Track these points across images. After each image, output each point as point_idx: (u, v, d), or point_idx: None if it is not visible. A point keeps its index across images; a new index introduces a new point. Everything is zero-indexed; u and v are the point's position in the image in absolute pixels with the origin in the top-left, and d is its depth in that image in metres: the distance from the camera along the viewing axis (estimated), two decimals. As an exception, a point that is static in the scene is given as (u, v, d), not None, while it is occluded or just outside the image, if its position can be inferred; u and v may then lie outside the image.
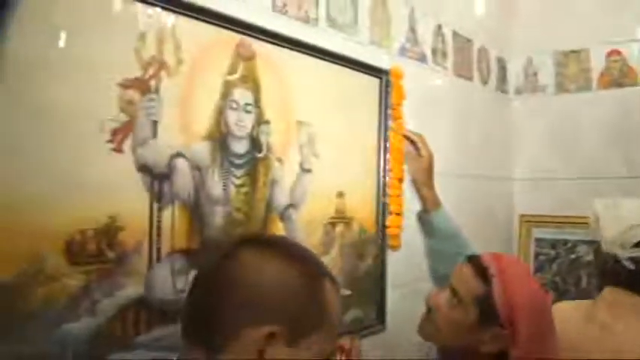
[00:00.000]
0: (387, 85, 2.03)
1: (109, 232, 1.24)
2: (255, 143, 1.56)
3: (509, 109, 2.98)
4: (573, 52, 2.84)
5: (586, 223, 2.45)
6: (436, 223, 2.00)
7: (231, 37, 1.50)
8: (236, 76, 1.51)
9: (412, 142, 2.05)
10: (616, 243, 1.65)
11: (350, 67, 1.89)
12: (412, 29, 2.21)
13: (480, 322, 1.40)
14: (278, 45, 1.63)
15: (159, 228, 1.33)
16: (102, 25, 1.24)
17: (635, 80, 2.69)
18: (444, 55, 2.41)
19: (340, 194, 1.85)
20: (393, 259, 2.08)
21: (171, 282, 1.35)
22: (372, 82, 1.99)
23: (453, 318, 1.45)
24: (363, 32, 1.96)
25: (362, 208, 1.95)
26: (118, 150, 1.26)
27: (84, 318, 1.20)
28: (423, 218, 2.06)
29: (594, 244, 1.82)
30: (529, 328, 1.35)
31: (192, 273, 1.23)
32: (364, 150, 1.97)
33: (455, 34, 2.48)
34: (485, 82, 2.74)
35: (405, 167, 2.09)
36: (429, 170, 2.02)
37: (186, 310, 0.99)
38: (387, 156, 2.03)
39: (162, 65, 1.34)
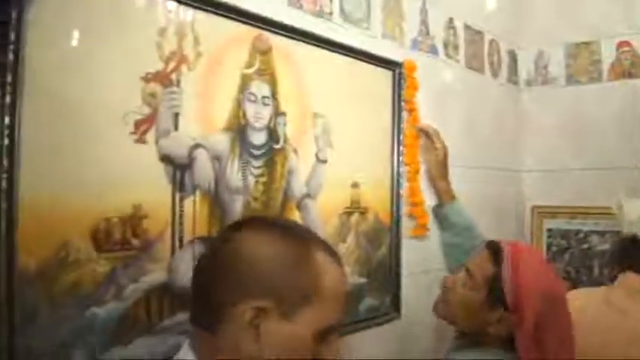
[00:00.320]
0: (400, 77, 2.06)
1: (134, 220, 1.29)
2: (272, 134, 1.60)
3: (520, 101, 3.00)
4: (584, 43, 2.85)
5: (597, 214, 2.49)
6: (451, 215, 2.04)
7: (249, 31, 1.55)
8: (253, 69, 1.55)
9: (427, 135, 2.09)
10: (636, 224, 1.72)
11: (363, 60, 1.93)
12: (424, 22, 2.24)
13: (488, 303, 1.44)
14: (293, 38, 1.67)
15: (181, 216, 1.38)
16: (124, 20, 1.29)
17: (646, 71, 2.71)
18: (456, 47, 2.44)
19: (355, 184, 1.88)
20: (408, 248, 2.11)
21: (192, 268, 1.39)
22: (386, 75, 2.03)
23: (464, 296, 1.49)
24: (376, 26, 2.00)
25: (377, 198, 1.98)
26: (142, 141, 1.30)
27: (110, 303, 1.25)
28: (438, 211, 2.09)
29: (612, 235, 1.88)
30: (536, 315, 1.37)
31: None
32: (378, 141, 2.01)
33: (466, 27, 2.51)
34: (496, 74, 2.77)
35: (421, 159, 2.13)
36: (444, 163, 2.06)
37: (191, 295, 1.02)
38: (401, 147, 2.07)
39: (182, 59, 1.39)
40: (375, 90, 1.99)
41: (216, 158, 1.46)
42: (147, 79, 1.31)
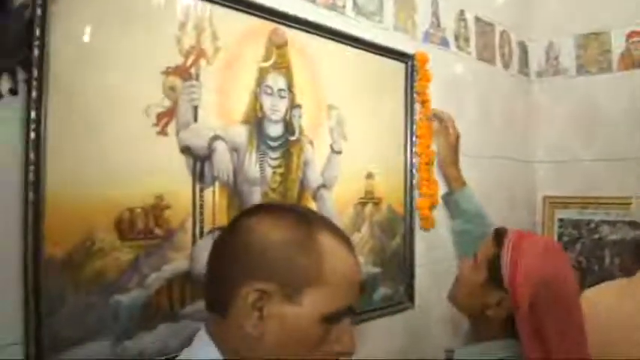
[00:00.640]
0: (413, 69, 2.09)
1: (156, 210, 1.32)
2: (288, 126, 1.63)
3: (531, 92, 3.01)
4: (594, 34, 2.86)
5: (608, 204, 2.50)
6: (461, 202, 2.06)
7: (265, 25, 1.58)
8: (270, 62, 1.58)
9: (440, 120, 2.11)
10: None
11: (376, 53, 1.95)
12: (435, 14, 2.26)
13: (488, 285, 1.46)
14: (308, 32, 1.69)
15: (201, 207, 1.42)
16: (145, 15, 1.32)
17: (656, 61, 2.72)
18: (467, 39, 2.46)
19: (369, 175, 1.91)
20: (421, 238, 2.14)
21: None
22: (398, 67, 2.05)
23: (469, 279, 1.54)
24: (388, 18, 2.02)
25: (390, 188, 2.01)
26: (163, 133, 1.34)
27: (134, 290, 1.29)
28: (448, 199, 2.12)
29: (623, 225, 1.87)
30: (530, 296, 1.37)
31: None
32: (392, 133, 2.04)
33: (477, 18, 2.52)
34: (507, 65, 2.78)
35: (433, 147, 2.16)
36: (456, 148, 2.09)
37: (205, 281, 1.04)
38: (414, 139, 2.09)
39: (201, 53, 1.42)
40: (387, 82, 2.02)
41: (235, 150, 1.49)
42: (167, 72, 1.35)
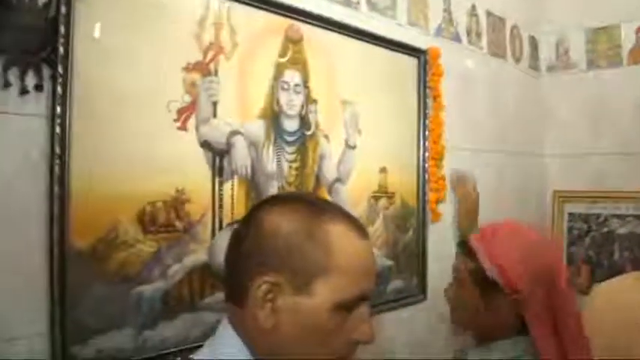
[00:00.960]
0: (425, 64, 2.11)
1: (177, 203, 1.36)
2: (304, 121, 1.66)
3: (541, 86, 3.03)
4: (603, 28, 2.88)
5: (618, 197, 2.50)
6: None
7: (281, 22, 1.60)
8: (286, 58, 1.61)
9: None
10: None
11: (389, 48, 1.97)
12: (447, 10, 2.28)
13: (485, 297, 1.38)
14: (323, 28, 1.72)
15: (220, 200, 1.45)
16: (166, 13, 1.35)
17: (665, 55, 2.73)
18: (478, 34, 2.48)
19: (383, 169, 1.94)
20: (433, 232, 2.17)
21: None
22: (411, 62, 2.08)
23: (464, 305, 1.45)
24: (401, 14, 2.04)
25: (403, 182, 2.04)
26: (184, 128, 1.37)
27: (156, 282, 1.32)
28: None
29: (632, 218, 1.84)
30: (525, 276, 1.32)
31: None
32: (405, 127, 2.06)
33: (488, 13, 2.54)
34: (518, 60, 2.80)
35: (445, 141, 2.17)
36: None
37: (224, 273, 1.03)
38: (427, 133, 2.12)
39: (220, 50, 1.45)
40: (400, 77, 2.04)
41: (252, 144, 1.52)
42: (187, 69, 1.38)
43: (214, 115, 1.43)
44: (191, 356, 0.95)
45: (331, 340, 0.92)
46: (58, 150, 1.15)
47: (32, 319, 1.15)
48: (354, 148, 1.82)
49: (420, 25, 2.13)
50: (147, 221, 1.30)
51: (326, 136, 1.73)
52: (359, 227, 0.98)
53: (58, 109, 1.15)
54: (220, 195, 1.44)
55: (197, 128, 1.39)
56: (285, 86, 1.60)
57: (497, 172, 2.56)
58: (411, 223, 2.07)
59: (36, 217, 1.15)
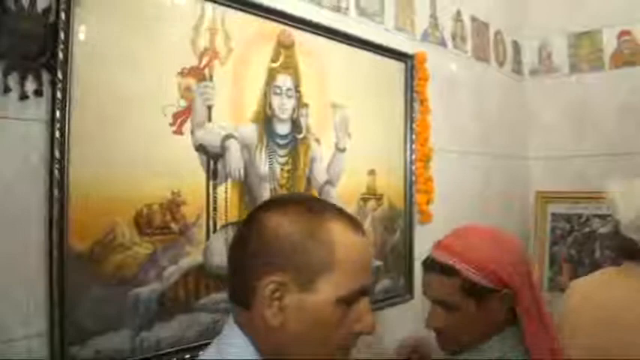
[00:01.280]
0: (412, 68, 2.15)
1: (173, 206, 1.38)
2: (295, 125, 1.69)
3: (525, 90, 3.08)
4: (586, 33, 2.93)
5: (600, 198, 2.54)
6: None
7: (273, 27, 1.63)
8: (278, 63, 1.64)
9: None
10: (632, 228, 1.68)
11: (378, 53, 2.01)
12: (433, 15, 2.32)
13: (481, 304, 1.36)
14: (314, 33, 1.75)
15: (215, 203, 1.47)
16: (162, 19, 1.37)
17: (646, 59, 2.79)
18: (463, 39, 2.52)
19: (371, 172, 1.98)
20: (419, 232, 2.20)
21: (226, 251, 1.46)
22: (399, 66, 2.12)
23: (459, 329, 1.39)
24: (388, 20, 2.08)
25: (391, 185, 2.08)
26: (179, 132, 1.39)
27: (152, 283, 1.34)
28: None
29: (611, 221, 1.84)
30: (515, 275, 1.34)
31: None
32: (392, 131, 2.10)
33: (473, 18, 2.59)
34: (501, 64, 2.85)
35: (432, 144, 2.21)
36: None
37: (227, 274, 1.05)
38: (414, 136, 2.15)
39: (215, 55, 1.48)
40: (388, 81, 2.08)
41: (246, 148, 1.55)
42: (183, 74, 1.40)
43: (209, 120, 1.46)
44: (200, 353, 0.99)
45: (335, 334, 0.96)
46: (57, 154, 1.18)
47: (31, 321, 1.16)
48: (343, 151, 1.85)
49: (407, 30, 2.17)
50: (143, 223, 1.32)
51: (317, 140, 1.76)
52: (357, 225, 1.02)
53: (58, 113, 1.18)
54: (215, 197, 1.47)
55: (192, 132, 1.42)
56: (278, 91, 1.63)
57: (483, 175, 2.61)
58: (399, 225, 2.10)
59: (36, 220, 1.17)
